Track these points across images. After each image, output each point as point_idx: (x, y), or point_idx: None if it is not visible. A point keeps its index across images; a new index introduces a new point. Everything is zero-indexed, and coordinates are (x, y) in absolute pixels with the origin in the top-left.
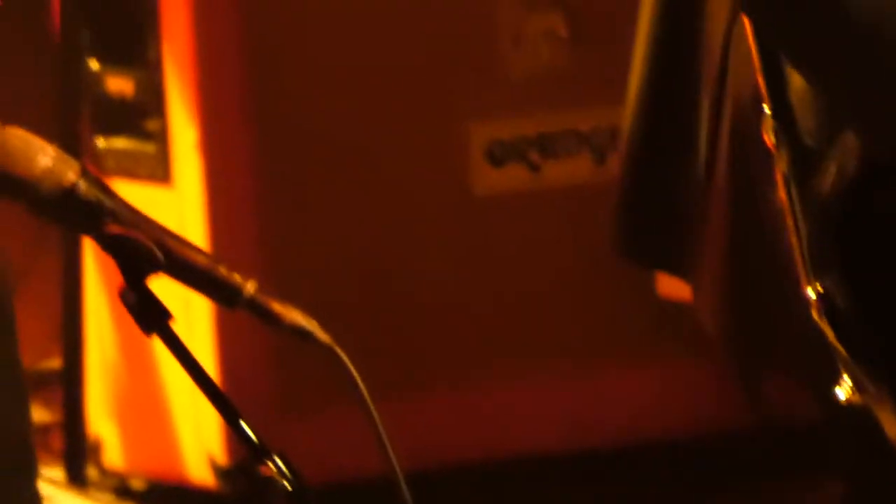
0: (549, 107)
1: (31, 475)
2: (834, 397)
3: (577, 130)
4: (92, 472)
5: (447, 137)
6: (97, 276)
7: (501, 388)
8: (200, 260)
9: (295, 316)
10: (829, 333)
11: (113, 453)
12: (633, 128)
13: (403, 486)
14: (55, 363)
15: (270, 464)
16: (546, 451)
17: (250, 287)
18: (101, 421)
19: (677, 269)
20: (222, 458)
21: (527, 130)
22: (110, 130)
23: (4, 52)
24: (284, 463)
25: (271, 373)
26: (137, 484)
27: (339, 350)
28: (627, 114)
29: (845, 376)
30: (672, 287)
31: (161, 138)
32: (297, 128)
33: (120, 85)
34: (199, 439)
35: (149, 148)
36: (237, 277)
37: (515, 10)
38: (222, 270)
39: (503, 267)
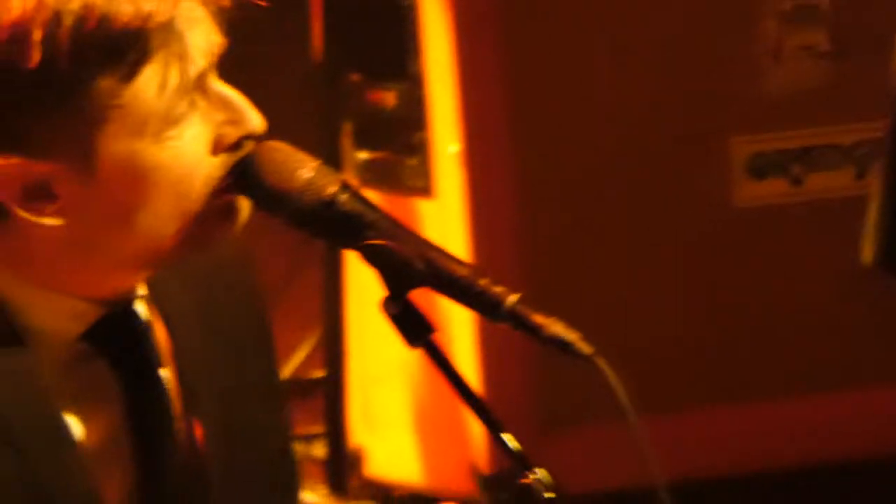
0: (811, 121)
1: (294, 487)
2: None
3: (838, 144)
4: (353, 483)
5: (709, 151)
6: (359, 287)
7: (770, 400)
8: (462, 272)
9: (556, 327)
10: None
11: (374, 463)
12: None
13: (666, 499)
14: (318, 374)
15: (532, 474)
16: (812, 463)
17: (512, 298)
18: (362, 432)
19: None
20: (485, 468)
21: (788, 144)
22: (371, 143)
23: (268, 67)
24: (546, 473)
25: (533, 383)
26: (399, 494)
27: (600, 361)
28: (889, 126)
29: None
30: None
31: (422, 150)
32: (558, 139)
33: (381, 98)
34: (460, 450)
35: (410, 160)
36: (499, 289)
37: (776, 25)
38: (484, 282)
39: (763, 278)
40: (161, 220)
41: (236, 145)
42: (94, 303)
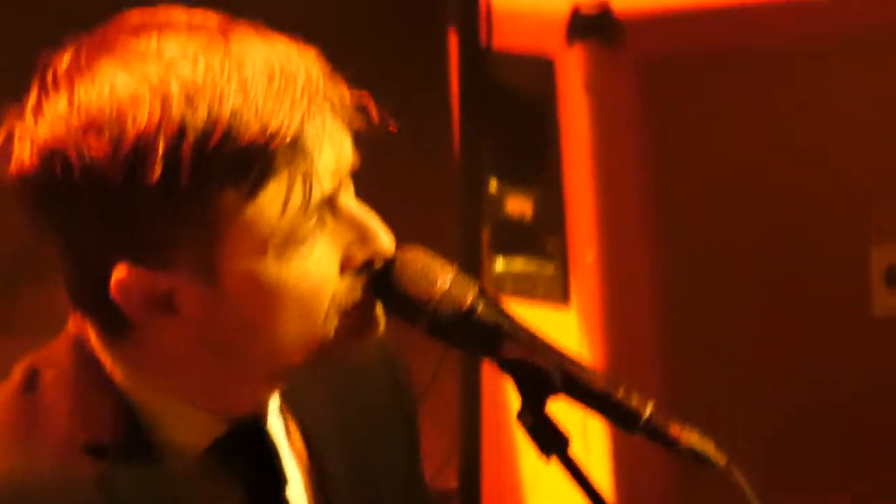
0: None
1: None
2: None
3: None
4: None
5: (847, 259)
6: (494, 396)
7: None
8: (599, 383)
9: (692, 438)
10: None
11: None
12: None
13: None
14: (451, 483)
15: None
16: None
17: (648, 409)
18: None
19: None
20: None
21: None
22: (509, 250)
23: (407, 172)
24: None
25: (670, 494)
26: None
27: (736, 473)
28: None
29: None
30: None
31: (560, 258)
32: (697, 248)
33: (519, 205)
34: None
35: (547, 268)
36: (635, 399)
37: None
38: (620, 393)
39: None
40: (287, 337)
41: (365, 266)
42: (224, 416)
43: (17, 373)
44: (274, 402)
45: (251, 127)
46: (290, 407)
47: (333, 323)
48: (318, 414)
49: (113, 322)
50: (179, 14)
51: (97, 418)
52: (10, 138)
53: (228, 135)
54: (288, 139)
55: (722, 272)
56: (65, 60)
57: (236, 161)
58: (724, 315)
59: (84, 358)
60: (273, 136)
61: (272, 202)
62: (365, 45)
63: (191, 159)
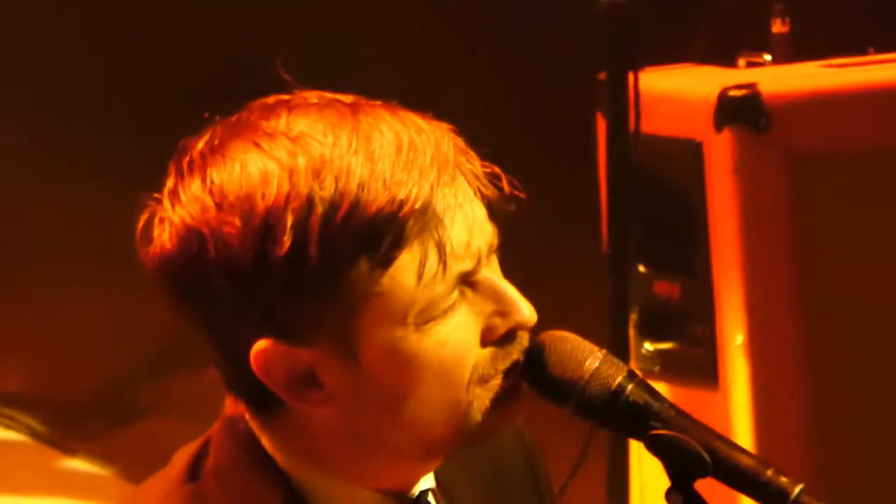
0: None
1: None
2: None
3: None
4: None
5: None
6: (643, 477)
7: None
8: (748, 462)
9: None
10: None
11: None
12: None
13: None
14: None
15: None
16: None
17: (796, 490)
18: None
19: None
20: None
21: None
22: (657, 334)
23: (556, 255)
24: None
25: None
26: None
27: None
28: None
29: None
30: None
31: (708, 342)
32: (845, 332)
33: (667, 289)
34: None
35: (696, 352)
36: (784, 480)
37: None
38: (770, 473)
39: None
40: (430, 408)
41: (506, 337)
42: (383, 494)
43: (179, 461)
44: (430, 483)
45: (379, 197)
46: (442, 490)
47: (476, 395)
48: (457, 484)
49: (261, 401)
50: (311, 96)
51: (263, 501)
52: (149, 224)
53: (356, 206)
54: (417, 207)
55: (870, 357)
56: (199, 145)
57: (366, 232)
58: (874, 399)
59: (243, 441)
60: (402, 204)
61: (407, 272)
62: (514, 129)
63: (319, 232)
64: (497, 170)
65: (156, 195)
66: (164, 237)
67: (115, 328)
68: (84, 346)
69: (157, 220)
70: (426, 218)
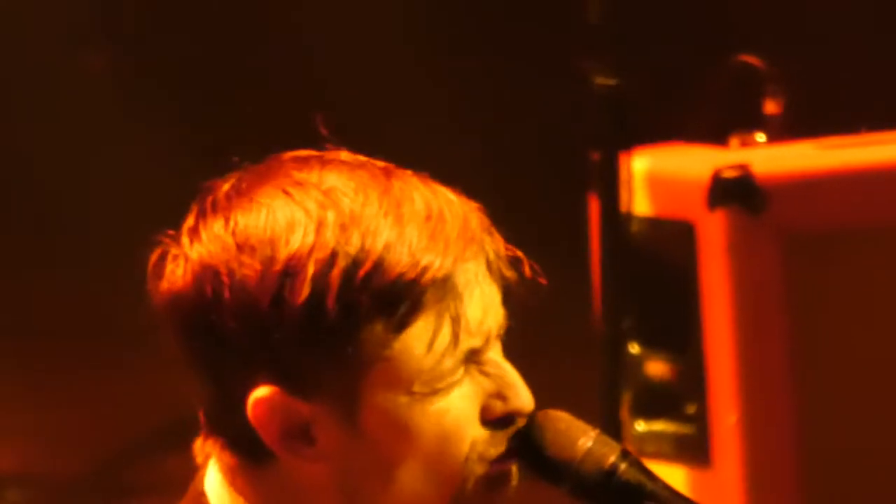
0: None
1: None
2: None
3: None
4: None
5: None
6: None
7: None
8: None
9: None
10: None
11: None
12: None
13: None
14: None
15: None
16: None
17: None
18: None
19: None
20: None
21: None
22: (650, 413)
23: (549, 334)
24: None
25: None
26: None
27: None
28: None
29: None
30: None
31: (701, 422)
32: (839, 412)
33: (660, 369)
34: None
35: (688, 431)
36: None
37: None
38: None
39: None
40: (423, 481)
41: (504, 420)
42: None
43: None
44: None
45: (403, 261)
46: None
47: (471, 472)
48: None
49: (249, 450)
50: (345, 154)
51: None
52: (163, 259)
53: (379, 267)
54: (439, 276)
55: (864, 437)
56: (225, 187)
57: (386, 294)
58: (868, 480)
59: None
60: (424, 271)
61: (419, 340)
62: (507, 208)
63: (339, 286)
64: (519, 254)
65: (170, 233)
66: (177, 273)
67: (112, 406)
68: (82, 424)
69: (170, 257)
70: (445, 289)
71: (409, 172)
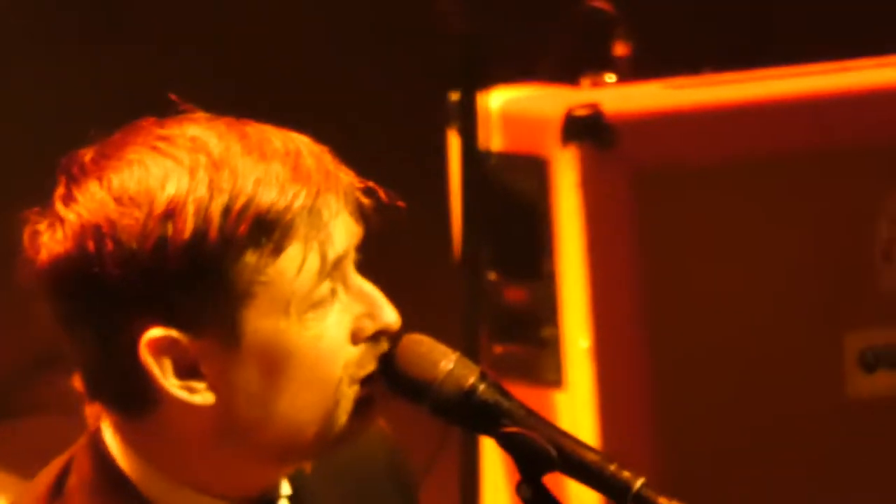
0: None
1: None
2: None
3: None
4: None
5: (823, 345)
6: (494, 473)
7: None
8: (591, 457)
9: None
10: None
11: None
12: None
13: None
14: None
15: None
16: None
17: (638, 483)
18: None
19: None
20: None
21: None
22: (507, 337)
23: (409, 265)
24: None
25: None
26: None
27: None
28: None
29: None
30: None
31: (554, 345)
32: (686, 335)
33: (516, 296)
34: None
35: (543, 354)
36: (626, 474)
37: (889, 226)
38: (613, 467)
39: (876, 470)
40: (300, 405)
41: (373, 338)
42: (238, 502)
43: (45, 477)
44: (286, 491)
45: (272, 193)
46: (298, 499)
47: (343, 395)
48: (316, 490)
49: (131, 402)
50: (197, 113)
51: None
52: (35, 235)
53: (252, 199)
54: (306, 206)
55: (709, 358)
56: (89, 154)
57: (260, 224)
58: (712, 400)
59: (100, 460)
60: (293, 202)
61: (292, 263)
62: (367, 146)
63: (218, 220)
64: (371, 184)
65: (37, 209)
66: (57, 237)
67: None
68: None
69: (45, 227)
70: (311, 217)
71: (258, 122)
